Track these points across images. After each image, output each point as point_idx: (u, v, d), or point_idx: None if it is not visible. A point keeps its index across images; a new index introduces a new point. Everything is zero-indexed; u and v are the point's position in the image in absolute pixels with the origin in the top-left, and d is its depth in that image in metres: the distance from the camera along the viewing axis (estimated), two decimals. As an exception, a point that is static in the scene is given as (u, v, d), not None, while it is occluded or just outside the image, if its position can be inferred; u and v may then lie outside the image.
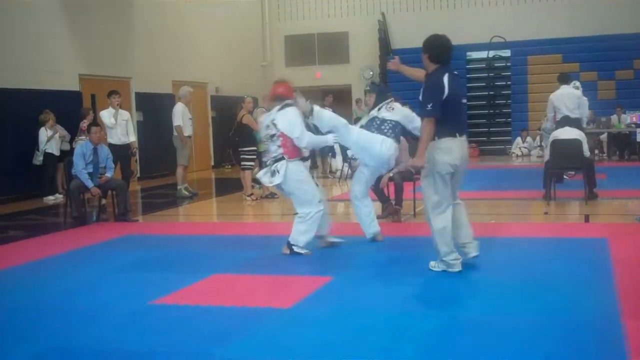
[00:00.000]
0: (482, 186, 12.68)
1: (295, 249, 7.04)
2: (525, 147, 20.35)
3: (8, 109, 12.86)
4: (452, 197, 6.14)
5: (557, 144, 10.41)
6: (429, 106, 5.87)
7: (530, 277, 5.95)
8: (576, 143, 10.24)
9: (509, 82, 21.85)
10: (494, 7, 22.55)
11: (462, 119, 6.27)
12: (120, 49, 16.32)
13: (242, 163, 12.21)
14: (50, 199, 12.87)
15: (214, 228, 9.84)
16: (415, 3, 23.26)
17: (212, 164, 20.29)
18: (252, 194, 12.05)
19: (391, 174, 9.04)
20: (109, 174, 10.02)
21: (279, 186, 7.14)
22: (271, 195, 12.18)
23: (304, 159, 7.26)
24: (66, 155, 11.64)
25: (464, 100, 22.12)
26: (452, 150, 5.97)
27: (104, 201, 10.73)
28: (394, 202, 9.16)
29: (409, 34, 22.86)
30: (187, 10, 19.08)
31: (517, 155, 20.18)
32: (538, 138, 19.75)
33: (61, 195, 12.71)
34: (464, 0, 22.86)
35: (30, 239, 8.92)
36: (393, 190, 9.20)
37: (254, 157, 12.20)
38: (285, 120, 6.95)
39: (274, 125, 6.99)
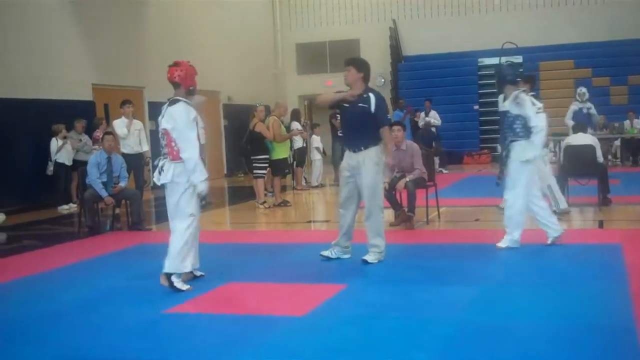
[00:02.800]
0: (495, 192, 12.62)
1: (177, 283, 6.10)
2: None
3: (23, 119, 12.96)
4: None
5: (570, 150, 10.39)
6: (389, 117, 7.26)
7: (544, 283, 5.93)
8: (589, 149, 10.21)
9: (520, 88, 21.80)
10: (505, 13, 22.52)
11: None
12: (133, 58, 16.41)
13: (255, 171, 12.23)
14: (65, 209, 12.96)
15: (227, 236, 9.85)
16: (427, 10, 23.27)
17: (225, 172, 20.34)
18: (264, 202, 12.07)
19: (407, 179, 9.05)
20: (122, 184, 10.07)
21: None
22: (284, 203, 12.20)
23: None
24: (82, 165, 11.70)
25: (476, 107, 22.05)
26: None
27: (117, 210, 10.78)
28: (406, 209, 9.15)
29: (420, 41, 22.93)
30: (198, 19, 19.17)
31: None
32: (551, 144, 19.66)
33: (75, 205, 12.77)
34: (475, 7, 22.85)
35: (44, 249, 8.97)
36: (406, 197, 9.19)
37: (267, 165, 12.23)
38: (173, 120, 6.21)
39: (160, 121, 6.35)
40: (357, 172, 6.93)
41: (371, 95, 6.96)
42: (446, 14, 23.07)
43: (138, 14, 16.81)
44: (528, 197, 7.43)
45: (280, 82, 23.70)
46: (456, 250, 7.61)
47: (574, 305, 5.21)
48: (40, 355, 4.62)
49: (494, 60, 22.17)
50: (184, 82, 6.36)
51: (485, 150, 21.29)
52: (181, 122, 6.16)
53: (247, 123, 12.47)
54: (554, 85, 20.97)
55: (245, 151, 12.47)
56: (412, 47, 23.26)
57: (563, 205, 9.58)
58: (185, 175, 6.14)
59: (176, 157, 6.20)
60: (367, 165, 6.88)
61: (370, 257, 6.94)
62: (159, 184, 6.40)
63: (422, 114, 19.23)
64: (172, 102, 6.30)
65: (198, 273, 6.49)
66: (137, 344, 4.74)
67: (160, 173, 6.30)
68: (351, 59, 7.20)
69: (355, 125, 7.03)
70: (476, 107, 21.83)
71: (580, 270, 6.37)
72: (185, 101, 6.29)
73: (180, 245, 6.13)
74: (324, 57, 24.29)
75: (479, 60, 22.38)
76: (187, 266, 6.20)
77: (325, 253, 7.17)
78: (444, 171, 17.62)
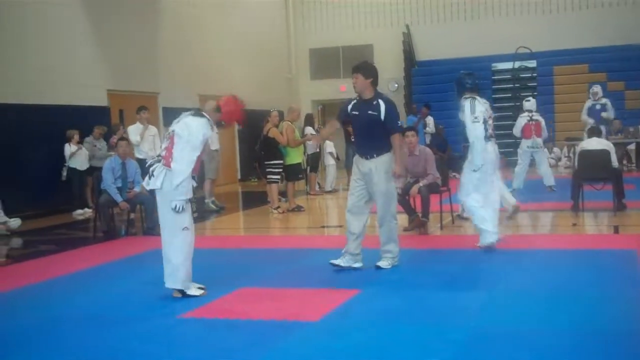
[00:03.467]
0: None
1: (189, 290, 6.11)
2: (552, 158, 20.22)
3: (39, 124, 13.06)
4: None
5: (585, 155, 10.36)
6: (400, 123, 7.05)
7: (559, 289, 5.91)
8: (604, 153, 10.17)
9: (535, 93, 21.66)
10: (519, 17, 22.47)
11: None
12: (148, 64, 16.51)
13: (268, 176, 12.26)
14: (79, 214, 13.04)
15: (241, 241, 9.88)
16: (440, 15, 23.27)
17: (239, 177, 20.40)
18: (278, 207, 12.09)
19: (421, 184, 9.04)
20: (137, 189, 10.13)
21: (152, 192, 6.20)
22: (297, 209, 12.21)
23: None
24: (97, 170, 11.79)
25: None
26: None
27: (132, 215, 10.83)
28: (420, 215, 9.15)
29: (434, 46, 22.93)
30: (212, 24, 19.26)
31: (545, 166, 20.01)
32: (565, 148, 19.63)
33: (90, 210, 12.86)
34: (489, 11, 22.82)
35: (60, 253, 9.05)
36: (420, 203, 9.18)
37: (280, 170, 12.26)
38: (186, 126, 5.95)
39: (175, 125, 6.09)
40: (368, 179, 6.89)
41: (380, 101, 6.86)
42: (460, 19, 23.05)
43: (153, 21, 16.92)
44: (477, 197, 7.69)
45: (293, 87, 23.76)
46: (470, 256, 7.59)
47: (587, 311, 5.19)
48: (55, 358, 4.66)
49: (508, 65, 22.28)
50: (224, 115, 6.20)
51: (502, 155, 21.22)
52: (193, 134, 5.89)
53: (261, 128, 12.50)
54: (569, 89, 20.91)
55: (259, 156, 12.50)
56: (426, 52, 23.25)
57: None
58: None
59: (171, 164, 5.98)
60: (380, 173, 6.83)
61: (383, 263, 6.94)
62: (147, 188, 6.21)
63: (430, 121, 19.26)
64: (196, 113, 6.07)
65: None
66: (153, 349, 4.76)
67: (150, 177, 6.03)
68: (358, 65, 7.06)
69: (365, 133, 6.96)
70: (490, 111, 21.78)
71: (595, 276, 6.35)
72: (208, 119, 6.05)
73: (180, 260, 6.00)
74: (337, 62, 24.31)
75: (493, 65, 22.34)
76: (190, 278, 6.10)
77: (337, 262, 7.00)
78: (457, 176, 17.56)
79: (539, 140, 13.08)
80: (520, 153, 13.30)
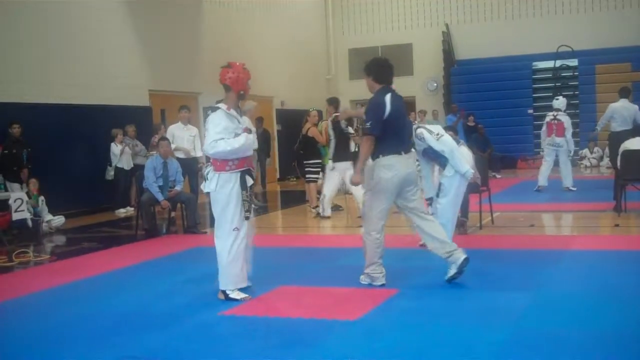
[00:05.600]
0: (551, 198, 12.50)
1: (232, 294, 6.06)
2: (594, 158, 19.96)
3: (82, 124, 13.29)
4: (418, 212, 6.32)
5: (628, 155, 10.20)
6: (368, 124, 6.12)
7: (600, 291, 5.85)
8: (647, 153, 10.01)
9: (576, 92, 21.45)
10: (560, 15, 22.20)
11: (405, 138, 6.38)
12: (188, 64, 16.68)
13: (307, 176, 12.30)
14: (122, 212, 13.24)
15: (280, 240, 9.94)
16: (480, 14, 23.09)
17: (278, 177, 20.49)
18: (317, 206, 12.12)
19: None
20: (178, 188, 10.25)
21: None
22: (336, 208, 12.23)
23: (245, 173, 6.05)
24: (140, 169, 11.96)
25: (530, 111, 21.60)
26: (395, 166, 6.12)
27: (173, 214, 10.97)
28: (460, 215, 9.09)
29: (474, 45, 22.75)
30: (253, 25, 19.38)
31: (586, 166, 19.80)
32: (607, 148, 19.35)
33: (132, 208, 13.04)
34: (529, 10, 22.59)
35: (103, 251, 9.21)
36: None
37: (319, 169, 12.30)
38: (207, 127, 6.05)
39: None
40: None
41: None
42: (499, 18, 22.86)
43: (194, 22, 17.08)
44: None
45: (333, 87, 23.78)
46: (510, 256, 7.55)
47: (630, 314, 5.13)
48: (97, 355, 4.74)
49: (549, 64, 22.00)
50: (234, 86, 6.10)
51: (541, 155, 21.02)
52: (211, 125, 5.94)
53: (301, 128, 12.56)
54: (611, 88, 20.54)
55: (297, 156, 12.56)
56: (465, 51, 23.10)
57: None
58: (229, 182, 5.97)
59: (219, 168, 5.99)
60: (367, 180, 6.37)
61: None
62: (204, 192, 6.27)
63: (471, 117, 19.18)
64: (213, 109, 6.12)
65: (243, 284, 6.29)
66: (194, 346, 4.83)
67: (205, 180, 6.13)
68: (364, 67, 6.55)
69: None
70: (530, 111, 21.60)
71: (638, 278, 6.27)
72: (224, 110, 6.03)
73: (226, 261, 6.01)
74: (376, 62, 24.23)
75: (534, 64, 22.10)
76: (239, 281, 6.09)
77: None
78: (497, 176, 17.46)
79: (559, 140, 13.31)
80: (545, 152, 13.80)
